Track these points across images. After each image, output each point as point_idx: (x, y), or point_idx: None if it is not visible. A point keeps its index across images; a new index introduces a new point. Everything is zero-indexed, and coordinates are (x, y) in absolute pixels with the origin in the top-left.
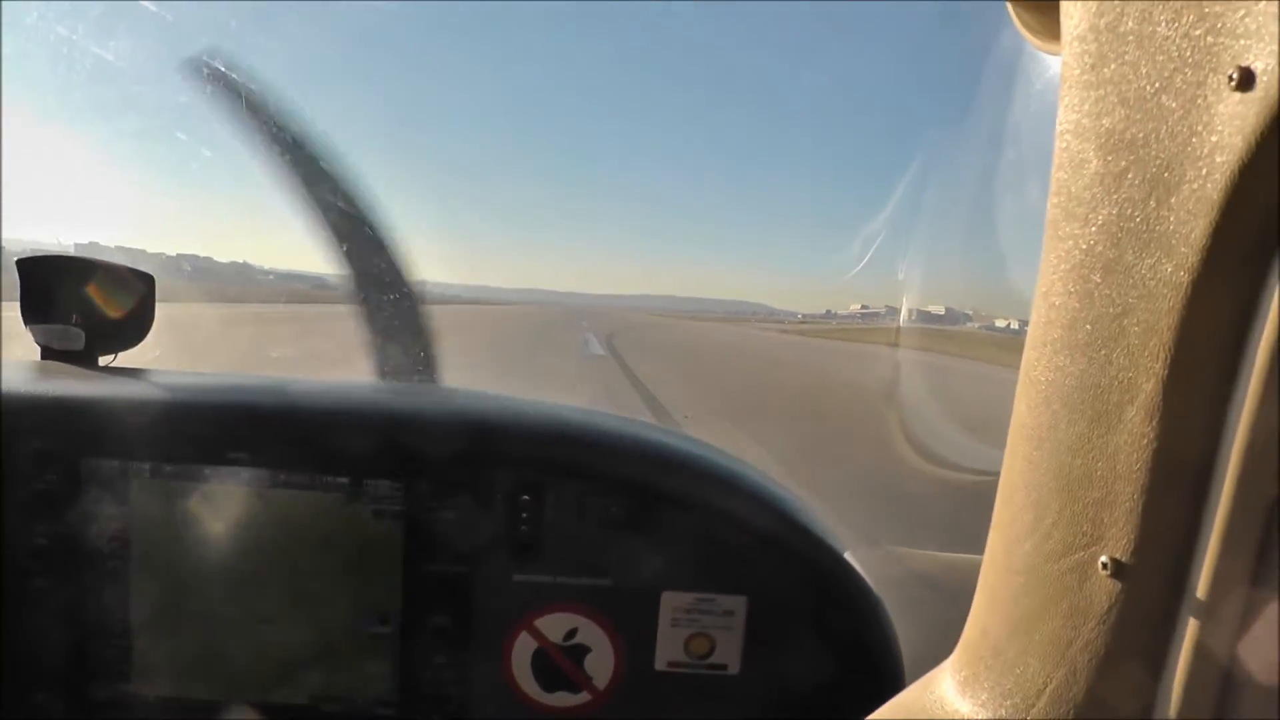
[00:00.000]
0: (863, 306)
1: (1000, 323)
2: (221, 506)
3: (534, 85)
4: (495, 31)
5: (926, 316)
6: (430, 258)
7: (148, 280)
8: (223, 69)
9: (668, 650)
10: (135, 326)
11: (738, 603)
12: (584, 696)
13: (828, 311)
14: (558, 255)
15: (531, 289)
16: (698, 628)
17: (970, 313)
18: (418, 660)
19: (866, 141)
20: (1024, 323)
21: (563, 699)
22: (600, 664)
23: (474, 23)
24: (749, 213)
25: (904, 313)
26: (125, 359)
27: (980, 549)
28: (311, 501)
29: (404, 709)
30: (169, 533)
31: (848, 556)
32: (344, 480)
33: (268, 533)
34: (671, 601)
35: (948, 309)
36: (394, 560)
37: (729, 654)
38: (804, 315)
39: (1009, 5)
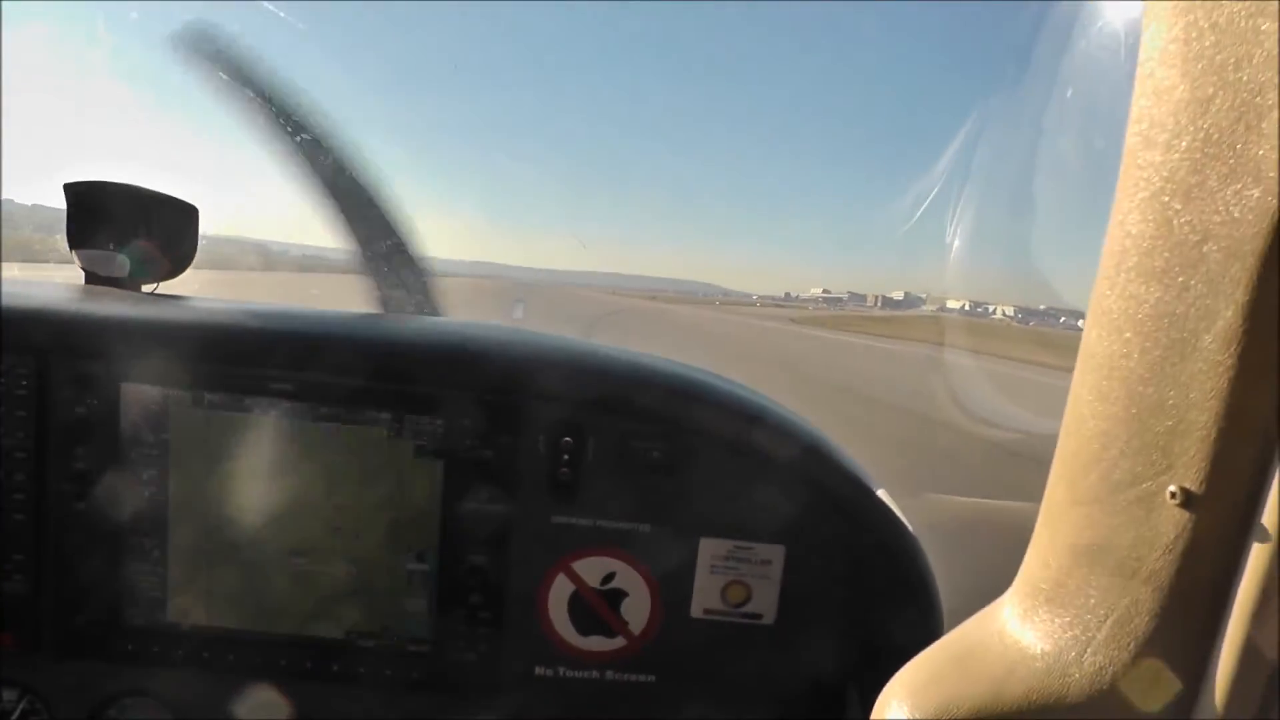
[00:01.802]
0: (824, 290)
1: (952, 304)
2: (261, 437)
3: (489, 55)
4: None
5: (889, 302)
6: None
7: (192, 211)
8: (220, 44)
9: (704, 597)
10: (179, 256)
11: (775, 552)
12: (619, 641)
13: (786, 295)
14: (506, 229)
15: (481, 261)
16: (735, 575)
17: (924, 296)
18: (453, 598)
19: (844, 121)
20: (975, 304)
21: (598, 643)
22: (636, 609)
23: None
24: (708, 191)
25: (870, 298)
26: (168, 289)
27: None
28: (352, 435)
29: (438, 646)
30: (208, 462)
31: (882, 495)
32: (386, 415)
33: (307, 466)
34: (709, 548)
35: (906, 294)
36: (433, 498)
37: (765, 603)
38: (759, 297)
39: None
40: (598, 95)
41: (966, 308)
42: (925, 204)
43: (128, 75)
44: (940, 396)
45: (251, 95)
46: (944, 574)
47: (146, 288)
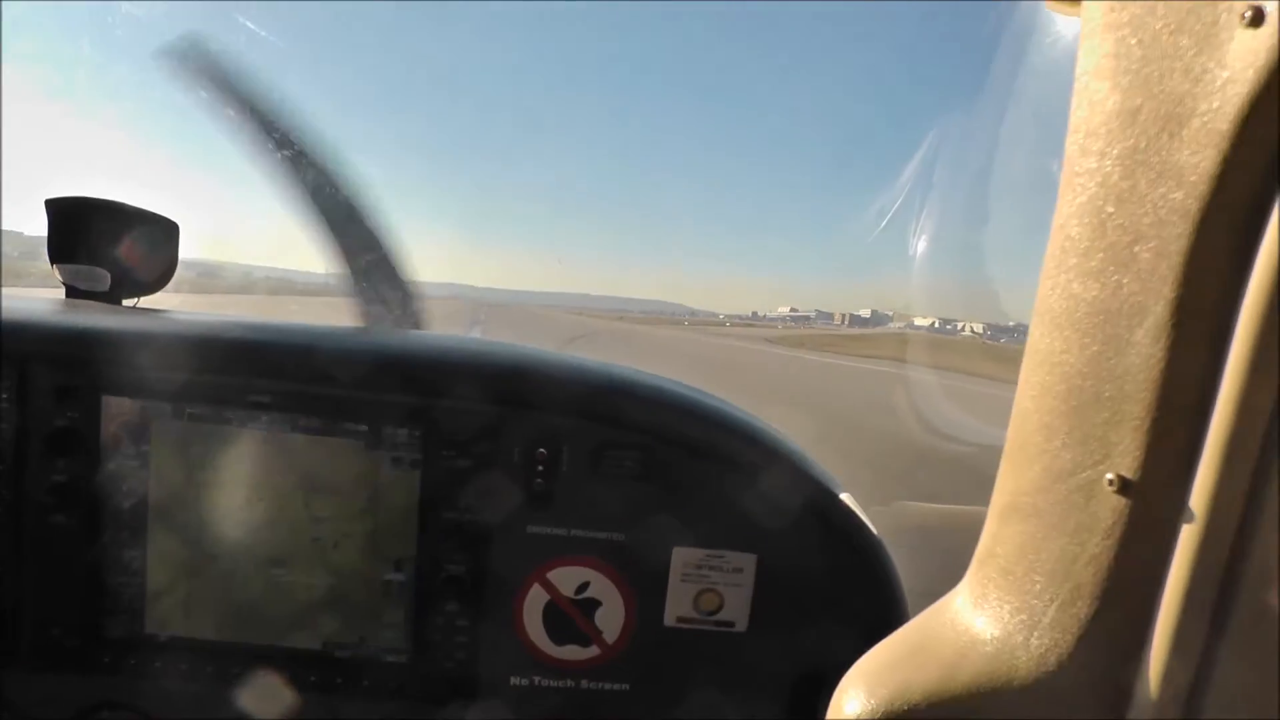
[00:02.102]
0: (791, 309)
1: (921, 321)
2: (241, 448)
3: (454, 73)
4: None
5: (857, 320)
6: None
7: (173, 227)
8: (209, 58)
9: (677, 606)
10: (159, 271)
11: (747, 560)
12: (593, 650)
13: (754, 313)
14: (471, 249)
15: (448, 283)
16: (707, 584)
17: (890, 314)
18: (430, 608)
19: (809, 138)
20: (944, 321)
21: (573, 652)
22: (610, 618)
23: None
24: (673, 211)
25: (837, 316)
26: (149, 304)
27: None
28: (330, 447)
29: (414, 656)
30: (188, 473)
31: (848, 500)
32: (363, 427)
33: (286, 477)
34: (682, 557)
35: (873, 311)
36: (410, 508)
37: (737, 611)
38: (726, 316)
39: None
40: (567, 117)
41: (935, 325)
42: (886, 220)
43: (110, 94)
44: (908, 414)
45: (237, 109)
46: (914, 576)
47: (127, 302)
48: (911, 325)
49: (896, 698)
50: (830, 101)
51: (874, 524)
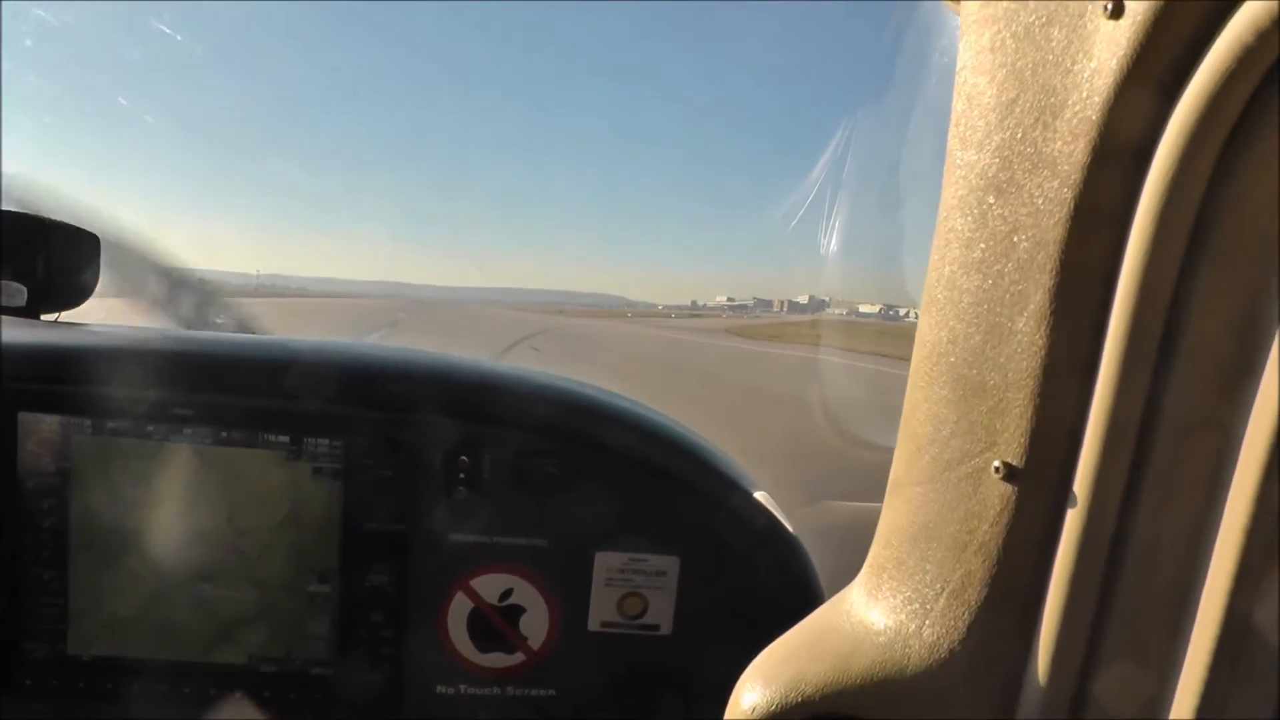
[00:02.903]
0: (729, 298)
1: (865, 309)
2: (163, 463)
3: (377, 72)
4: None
5: (795, 306)
6: (280, 249)
7: (93, 240)
8: None
9: (601, 610)
10: (79, 285)
11: (670, 563)
12: (519, 657)
13: (693, 303)
14: (409, 249)
15: (383, 281)
16: (630, 587)
17: (827, 299)
18: (355, 620)
19: (737, 126)
20: (888, 307)
21: (498, 659)
22: (535, 624)
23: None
24: (608, 204)
25: (777, 303)
26: (69, 319)
27: None
28: (253, 458)
29: (340, 668)
30: (110, 490)
31: (763, 499)
32: (284, 438)
33: (209, 490)
34: (605, 562)
35: (810, 297)
36: (332, 519)
37: (662, 614)
38: (665, 306)
39: None
40: (493, 112)
41: (879, 311)
42: (803, 210)
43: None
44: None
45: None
46: (840, 573)
47: (47, 316)
48: (855, 313)
49: (791, 690)
50: (755, 91)
51: (803, 522)
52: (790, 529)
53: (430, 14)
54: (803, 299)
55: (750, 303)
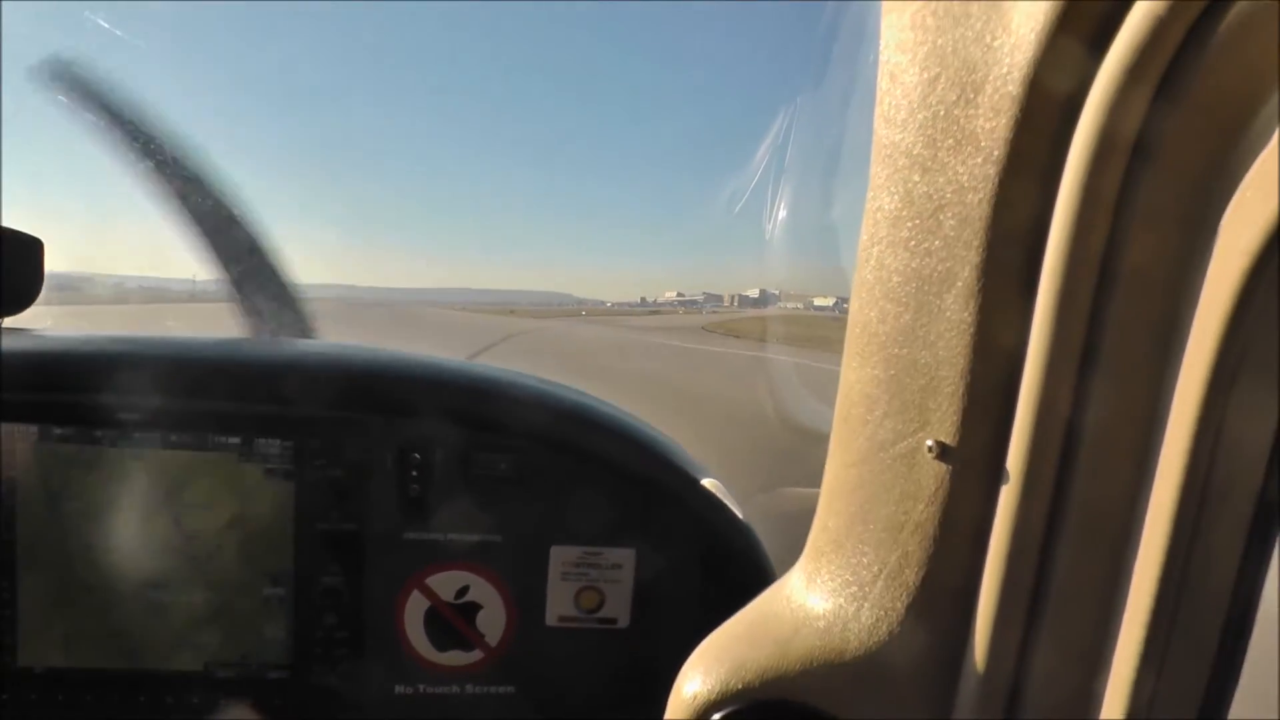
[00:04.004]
0: (678, 294)
1: (820, 302)
2: (111, 469)
3: (326, 73)
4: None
5: (746, 300)
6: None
7: (35, 244)
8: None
9: (558, 605)
10: (21, 291)
11: (625, 556)
12: (476, 654)
13: (641, 300)
14: (356, 249)
15: (328, 284)
16: (586, 581)
17: (777, 293)
18: (310, 621)
19: (678, 122)
20: (843, 300)
21: (456, 657)
22: (492, 621)
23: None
24: (552, 202)
25: (728, 298)
26: (12, 324)
27: None
28: (203, 462)
29: (297, 671)
30: (57, 498)
31: (711, 486)
32: (235, 440)
33: (159, 495)
34: (560, 556)
35: (761, 291)
36: (285, 521)
37: (618, 608)
38: (613, 304)
39: None
40: (438, 113)
41: (833, 304)
42: (742, 201)
43: None
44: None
45: (99, 116)
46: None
47: None
48: (811, 306)
49: (731, 677)
50: (695, 85)
51: (759, 509)
52: (741, 516)
53: (371, 14)
54: (753, 293)
55: (700, 298)
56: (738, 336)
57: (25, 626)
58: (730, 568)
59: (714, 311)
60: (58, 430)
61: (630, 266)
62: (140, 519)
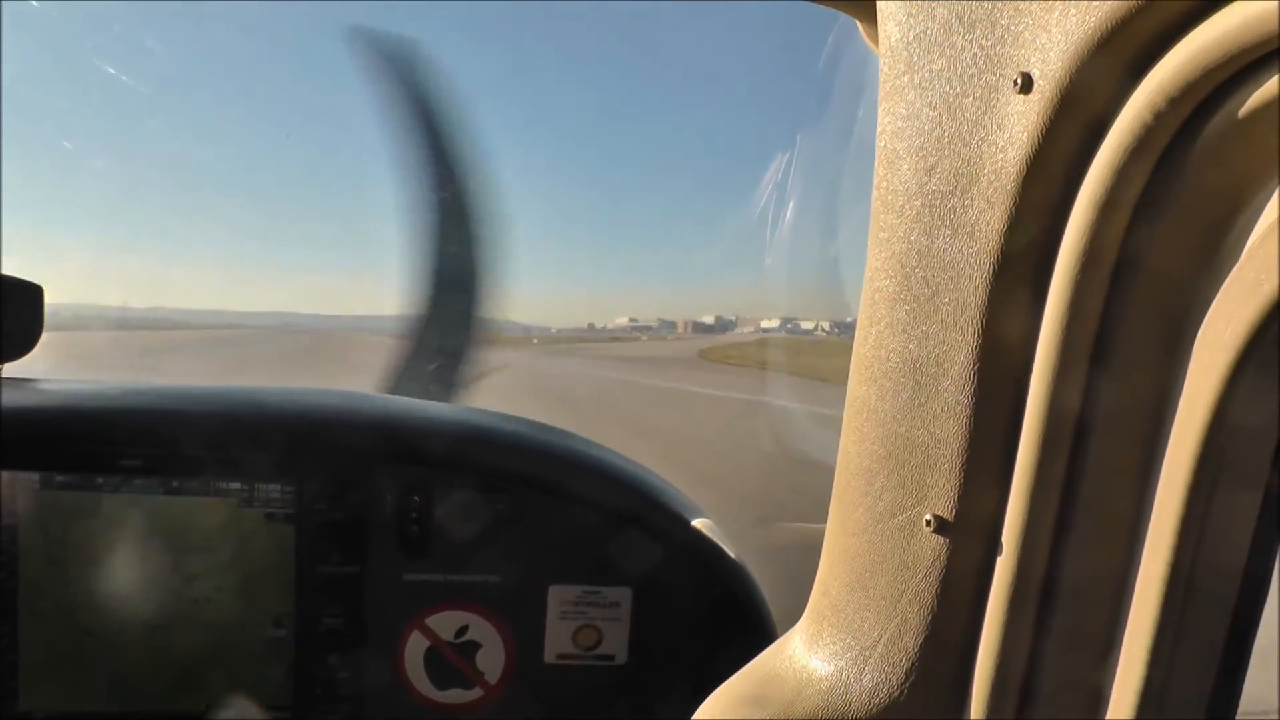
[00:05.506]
0: (631, 319)
1: (766, 324)
2: (113, 515)
3: (206, 82)
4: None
5: (701, 326)
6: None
7: (35, 290)
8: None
9: (556, 643)
10: (20, 337)
11: (622, 594)
12: (476, 692)
13: (590, 325)
14: (300, 275)
15: (269, 311)
16: (585, 619)
17: (734, 319)
18: (312, 662)
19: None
20: (835, 324)
21: (456, 695)
22: (491, 659)
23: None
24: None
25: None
26: (12, 370)
27: None
28: (204, 507)
29: (299, 711)
30: (60, 544)
31: (704, 527)
32: (235, 485)
33: (161, 540)
34: (559, 595)
35: (717, 317)
36: (286, 563)
37: (616, 645)
38: (559, 330)
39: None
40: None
41: (825, 328)
42: (746, 226)
43: None
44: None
45: (418, 120)
46: (794, 593)
47: None
48: (798, 329)
49: None
50: (676, 109)
51: (755, 543)
52: (734, 555)
53: (280, 16)
54: (709, 318)
55: (655, 324)
56: (709, 361)
57: (27, 672)
58: (724, 606)
59: (677, 338)
60: (59, 478)
61: (573, 290)
62: (141, 564)
